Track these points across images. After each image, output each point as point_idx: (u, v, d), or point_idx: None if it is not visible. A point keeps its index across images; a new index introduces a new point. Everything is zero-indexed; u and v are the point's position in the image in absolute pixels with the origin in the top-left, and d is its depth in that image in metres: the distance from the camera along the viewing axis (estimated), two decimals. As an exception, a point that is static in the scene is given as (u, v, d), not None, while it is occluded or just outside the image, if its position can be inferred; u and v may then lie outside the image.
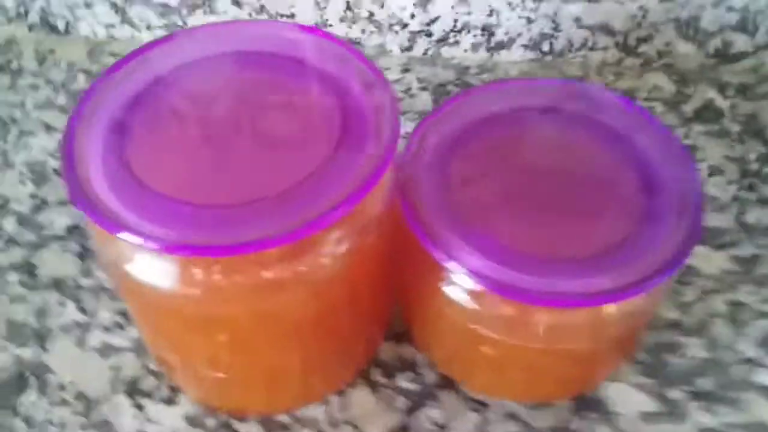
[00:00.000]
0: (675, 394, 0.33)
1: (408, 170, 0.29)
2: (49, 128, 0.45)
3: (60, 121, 0.45)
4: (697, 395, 0.33)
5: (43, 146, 0.43)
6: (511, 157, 0.30)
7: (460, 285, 0.28)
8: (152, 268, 0.24)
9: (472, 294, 0.28)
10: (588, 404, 0.33)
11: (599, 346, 0.28)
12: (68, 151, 0.25)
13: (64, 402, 0.33)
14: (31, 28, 0.50)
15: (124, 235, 0.23)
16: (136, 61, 0.28)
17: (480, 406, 0.33)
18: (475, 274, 0.26)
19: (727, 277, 0.37)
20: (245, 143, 0.26)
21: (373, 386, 0.33)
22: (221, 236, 0.23)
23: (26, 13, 0.49)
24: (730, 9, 0.44)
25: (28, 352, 0.34)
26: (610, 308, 0.27)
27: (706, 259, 0.38)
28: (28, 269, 0.38)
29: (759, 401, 0.32)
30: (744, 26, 0.45)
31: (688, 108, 0.45)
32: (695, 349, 0.34)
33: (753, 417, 0.32)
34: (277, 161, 0.26)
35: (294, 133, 0.27)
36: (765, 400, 0.32)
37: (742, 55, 0.47)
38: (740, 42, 0.46)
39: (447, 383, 0.33)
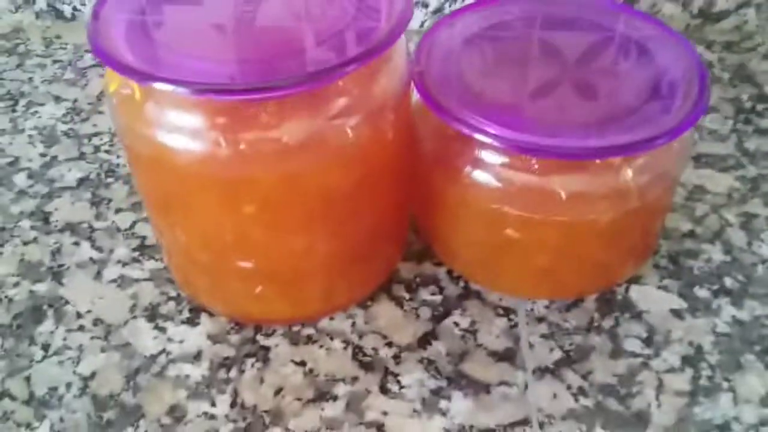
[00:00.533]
0: (702, 292, 0.33)
1: (422, 66, 0.30)
2: (58, 99, 0.45)
3: (68, 92, 0.45)
4: (725, 292, 0.33)
5: (52, 113, 0.44)
6: (521, 53, 0.32)
7: (482, 162, 0.29)
8: (180, 131, 0.25)
9: (495, 170, 0.28)
10: (615, 305, 0.33)
11: (621, 221, 0.29)
12: (95, 23, 0.26)
13: (81, 328, 0.32)
14: (38, 15, 0.51)
15: (159, 84, 0.23)
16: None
17: (507, 311, 0.32)
18: (499, 138, 0.27)
19: (735, 193, 0.38)
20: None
21: (397, 300, 0.33)
22: (243, 83, 0.23)
23: (34, 0, 0.50)
24: (710, -36, 0.47)
25: (43, 287, 0.34)
26: (627, 174, 0.28)
27: (713, 180, 0.38)
28: (42, 216, 0.37)
29: (782, 295, 0.33)
30: (724, -18, 0.48)
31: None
32: (715, 253, 0.35)
33: (779, 309, 0.32)
34: (296, 32, 0.27)
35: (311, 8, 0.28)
36: (788, 293, 0.33)
37: (724, 14, 0.49)
38: (722, 0, 0.49)
39: (471, 293, 0.33)
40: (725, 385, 0.29)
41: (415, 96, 0.30)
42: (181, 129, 0.25)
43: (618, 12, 0.33)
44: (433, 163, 0.31)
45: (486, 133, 0.27)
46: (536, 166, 0.28)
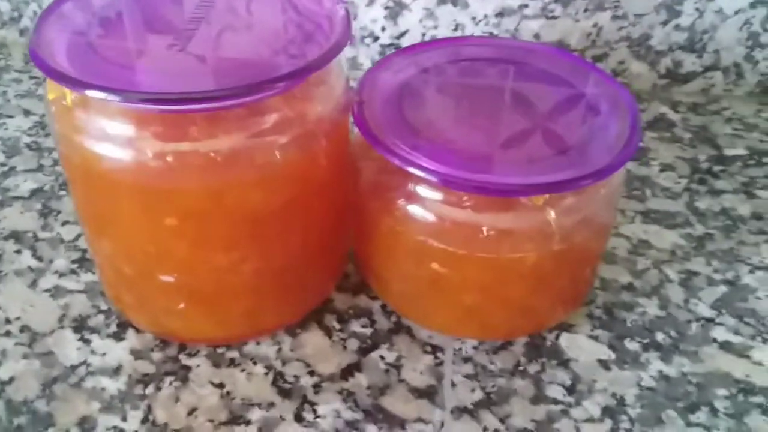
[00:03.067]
0: (632, 345, 0.33)
1: (363, 97, 0.31)
2: (27, 113, 0.46)
3: (39, 107, 0.46)
4: (655, 346, 0.33)
5: (19, 125, 0.45)
6: (458, 91, 0.32)
7: (416, 196, 0.29)
8: (107, 139, 0.25)
9: (428, 204, 0.29)
10: (543, 350, 0.32)
11: (546, 262, 0.29)
12: (37, 38, 0.27)
13: (7, 334, 0.32)
14: (22, 32, 0.53)
15: (91, 92, 0.24)
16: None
17: (435, 349, 0.32)
18: (428, 170, 0.27)
19: (679, 251, 0.38)
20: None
21: (327, 330, 0.33)
22: (172, 93, 0.24)
23: (19, 17, 0.52)
24: (678, 27, 0.48)
25: (-23, 292, 0.34)
26: (550, 215, 0.28)
27: (659, 236, 0.39)
28: (-11, 222, 0.38)
29: (717, 354, 0.32)
30: (692, 46, 0.49)
31: (642, 119, 0.48)
32: (650, 308, 0.34)
33: (711, 368, 0.32)
34: (233, 48, 0.28)
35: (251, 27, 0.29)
36: (723, 352, 0.32)
37: (691, 75, 0.50)
38: (689, 62, 0.49)
39: (403, 329, 0.33)
40: (642, 438, 0.29)
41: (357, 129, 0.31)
42: (109, 137, 0.26)
43: (558, 57, 0.34)
44: (370, 195, 0.31)
45: (416, 165, 0.28)
46: (468, 203, 0.29)
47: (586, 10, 0.48)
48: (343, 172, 0.31)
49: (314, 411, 0.29)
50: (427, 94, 0.32)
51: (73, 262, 0.36)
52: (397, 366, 0.31)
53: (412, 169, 0.28)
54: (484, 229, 0.28)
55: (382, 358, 0.32)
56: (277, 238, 0.29)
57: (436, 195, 0.29)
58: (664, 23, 0.48)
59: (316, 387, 0.30)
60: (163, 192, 0.26)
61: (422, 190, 0.29)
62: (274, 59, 0.27)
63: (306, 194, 0.29)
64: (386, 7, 0.48)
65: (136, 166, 0.26)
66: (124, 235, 0.28)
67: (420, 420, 0.29)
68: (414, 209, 0.29)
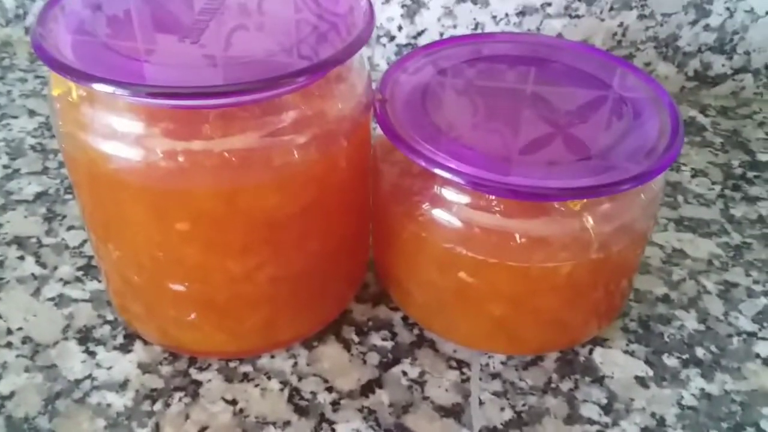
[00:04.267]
0: (671, 361, 0.31)
1: (385, 95, 0.29)
2: (32, 113, 0.44)
3: (44, 107, 0.45)
4: (695, 362, 0.31)
5: (23, 126, 0.43)
6: (483, 91, 0.30)
7: (442, 200, 0.27)
8: (115, 137, 0.24)
9: (454, 209, 0.27)
10: (576, 366, 0.30)
11: (581, 272, 0.27)
12: (40, 30, 0.25)
13: (8, 345, 0.30)
14: (27, 30, 0.51)
15: (99, 86, 0.22)
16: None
17: (460, 364, 0.30)
18: (455, 172, 0.25)
19: (716, 260, 0.36)
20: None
21: (345, 343, 0.31)
22: (186, 86, 0.23)
23: (24, 15, 0.50)
24: (707, 27, 0.46)
25: (-23, 300, 0.32)
26: (588, 221, 0.26)
27: (694, 245, 0.37)
28: (-9, 227, 0.36)
29: (761, 370, 0.30)
30: (722, 47, 0.47)
31: (671, 122, 0.46)
32: (688, 321, 0.32)
33: (755, 385, 0.30)
34: (248, 43, 0.26)
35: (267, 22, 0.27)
36: (767, 368, 0.30)
37: (720, 78, 0.48)
38: (718, 64, 0.48)
39: (425, 342, 0.31)
40: (686, 462, 0.27)
41: (378, 129, 0.29)
42: (117, 135, 0.24)
43: (596, 57, 0.32)
44: (393, 200, 0.29)
45: (442, 167, 0.26)
46: (497, 208, 0.27)
47: (611, 9, 0.46)
48: (364, 174, 0.30)
49: (333, 430, 0.28)
50: (451, 94, 0.31)
51: (79, 269, 0.34)
52: (420, 382, 0.30)
53: (439, 171, 0.26)
54: (517, 236, 0.26)
55: (405, 373, 0.30)
56: (294, 244, 0.27)
57: (464, 199, 0.27)
58: (693, 23, 0.46)
59: (335, 404, 0.29)
60: (174, 194, 0.25)
61: (449, 194, 0.27)
62: (292, 53, 0.25)
63: (325, 198, 0.27)
64: (403, 5, 0.47)
65: (146, 166, 0.24)
66: (132, 241, 0.26)
67: (446, 441, 0.27)
68: (440, 214, 0.28)
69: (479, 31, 0.47)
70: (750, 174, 0.42)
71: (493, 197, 0.26)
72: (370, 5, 0.27)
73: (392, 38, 0.48)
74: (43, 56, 0.23)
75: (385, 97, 0.29)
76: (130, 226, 0.26)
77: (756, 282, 0.35)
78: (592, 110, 0.29)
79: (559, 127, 0.28)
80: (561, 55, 0.32)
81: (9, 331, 0.31)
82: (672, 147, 0.27)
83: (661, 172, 0.26)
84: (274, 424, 0.28)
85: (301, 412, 0.28)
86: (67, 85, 0.25)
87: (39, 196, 0.38)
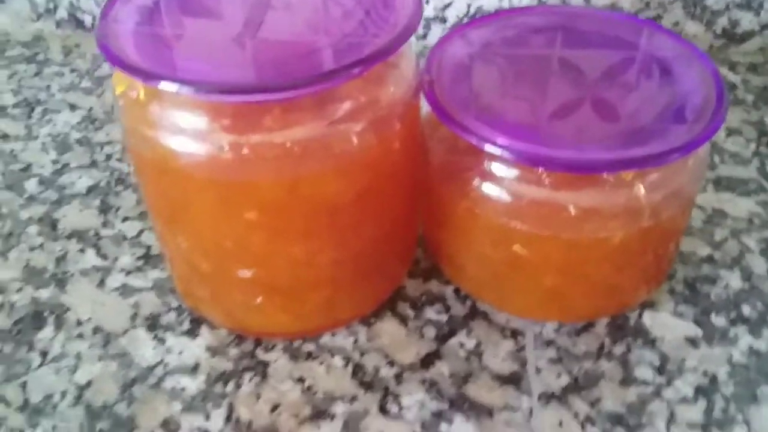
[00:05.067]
0: (719, 320, 0.32)
1: (432, 75, 0.30)
2: (73, 107, 0.45)
3: (84, 101, 0.46)
4: (742, 320, 0.31)
5: (67, 121, 0.44)
6: (535, 67, 0.31)
7: (492, 175, 0.28)
8: (182, 133, 0.25)
9: (504, 184, 0.28)
10: (627, 330, 0.31)
11: (632, 240, 0.28)
12: (104, 22, 0.26)
13: (80, 336, 0.32)
14: (58, 24, 0.52)
15: (163, 84, 0.23)
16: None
17: (514, 333, 0.31)
18: (507, 148, 0.26)
19: (756, 219, 0.36)
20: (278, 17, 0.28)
21: (402, 318, 0.32)
22: (247, 85, 0.23)
23: (55, 8, 0.51)
24: (736, -16, 0.46)
25: (45, 294, 0.33)
26: (639, 191, 0.27)
27: (733, 204, 0.37)
28: (50, 222, 0.37)
29: (804, 325, 0.31)
30: (749, 3, 0.47)
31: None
32: (733, 280, 0.33)
33: (799, 340, 0.31)
34: (302, 38, 0.27)
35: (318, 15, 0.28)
36: (810, 324, 0.31)
37: (748, 35, 0.48)
38: (746, 21, 0.47)
39: (478, 313, 0.32)
40: (740, 417, 0.28)
41: (425, 107, 0.29)
42: (184, 131, 0.25)
43: (641, 27, 0.32)
44: (442, 176, 0.30)
45: (494, 143, 0.27)
46: (547, 181, 0.27)
47: (638, -29, 0.46)
48: (416, 154, 0.30)
49: (398, 403, 0.29)
50: (496, 70, 0.31)
51: (138, 258, 0.35)
52: (477, 353, 0.31)
53: (489, 147, 0.27)
54: (570, 207, 0.27)
55: (461, 345, 0.31)
56: (353, 227, 0.28)
57: (514, 173, 0.28)
58: (722, -20, 0.46)
59: (398, 378, 0.30)
60: (241, 185, 0.25)
61: (498, 169, 0.28)
62: (346, 44, 0.26)
63: (381, 180, 0.28)
64: (430, -21, 0.47)
65: (212, 160, 0.25)
66: (200, 231, 0.27)
67: (508, 408, 0.29)
68: (491, 189, 0.28)
69: (506, 1, 0.47)
70: (784, 130, 0.42)
71: (542, 170, 0.27)
72: None
73: (445, 20, 0.48)
74: (110, 57, 0.24)
75: (432, 77, 0.30)
76: (197, 216, 0.27)
77: (797, 238, 0.35)
78: (640, 78, 0.30)
79: (604, 97, 0.29)
80: (599, 24, 0.33)
81: (79, 323, 0.32)
82: (718, 112, 0.27)
83: (707, 139, 0.27)
84: (342, 398, 0.29)
85: (367, 386, 0.29)
86: (131, 82, 0.26)
87: (91, 189, 0.39)
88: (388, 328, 0.32)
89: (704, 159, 0.29)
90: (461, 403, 0.29)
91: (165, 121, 0.25)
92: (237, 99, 0.24)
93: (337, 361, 0.30)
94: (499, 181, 0.28)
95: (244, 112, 0.25)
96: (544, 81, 0.30)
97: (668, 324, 0.32)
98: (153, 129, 0.25)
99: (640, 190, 0.27)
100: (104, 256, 0.35)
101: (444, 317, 0.32)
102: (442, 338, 0.31)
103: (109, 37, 0.25)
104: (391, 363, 0.30)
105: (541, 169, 0.27)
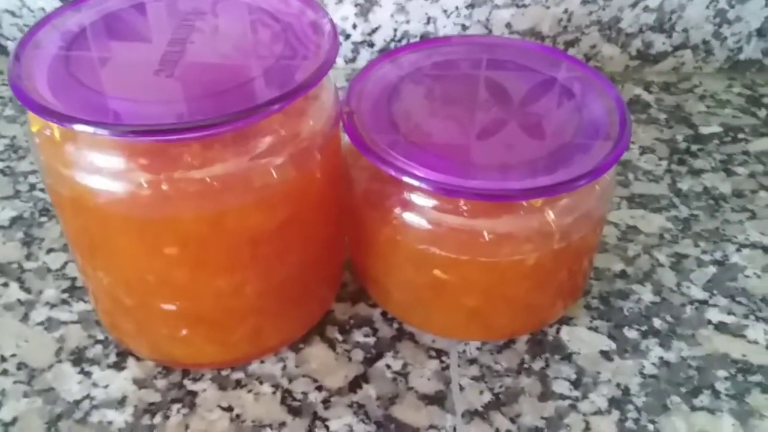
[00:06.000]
0: (631, 333, 0.33)
1: (352, 106, 0.31)
2: (-5, 136, 0.44)
3: (7, 129, 0.45)
4: (653, 333, 0.33)
5: (-11, 150, 0.43)
6: (450, 95, 0.32)
7: (412, 204, 0.29)
8: (99, 172, 0.25)
9: (424, 212, 0.29)
10: (546, 346, 0.33)
11: (546, 261, 0.29)
12: (17, 64, 0.26)
13: (4, 372, 0.31)
14: (-20, 50, 0.51)
15: (81, 127, 0.23)
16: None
17: (439, 353, 0.32)
18: (424, 180, 0.27)
19: (667, 234, 0.38)
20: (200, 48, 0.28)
21: (330, 342, 0.33)
22: (164, 124, 0.24)
23: (-24, 35, 0.50)
24: (647, 9, 0.48)
25: (-34, 331, 0.33)
26: (549, 216, 0.28)
27: (646, 220, 0.39)
28: (-30, 256, 0.37)
29: (714, 336, 0.33)
30: (661, 26, 0.49)
31: (618, 102, 0.48)
32: (645, 294, 0.35)
33: (709, 350, 0.32)
34: (220, 72, 0.27)
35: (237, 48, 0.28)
36: (719, 333, 0.33)
37: (661, 56, 0.51)
38: (659, 42, 0.50)
39: (405, 335, 0.33)
40: (651, 427, 0.30)
41: (346, 137, 0.30)
42: (101, 170, 0.25)
43: (550, 56, 0.34)
44: (365, 204, 0.31)
45: (412, 175, 0.28)
46: (465, 209, 0.29)
47: (556, -3, 0.48)
48: (338, 182, 0.31)
49: (326, 427, 0.29)
50: (414, 99, 0.32)
51: (63, 291, 0.35)
52: (404, 374, 0.32)
53: (408, 180, 0.28)
54: (485, 233, 0.28)
55: (388, 366, 0.32)
56: (277, 256, 0.29)
57: (434, 202, 0.29)
58: (633, 5, 0.48)
59: (326, 402, 0.30)
60: (161, 222, 0.26)
61: (418, 198, 0.29)
62: (264, 80, 0.26)
63: (303, 210, 0.29)
64: (356, 4, 0.48)
65: (131, 198, 0.25)
66: (122, 266, 0.28)
67: (432, 427, 0.30)
68: (411, 218, 0.29)
69: (431, 25, 0.49)
70: (694, 147, 0.45)
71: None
72: (333, 25, 0.29)
73: (347, 36, 0.49)
74: (23, 99, 0.24)
75: (352, 108, 0.31)
76: (118, 252, 0.27)
77: (704, 252, 0.37)
78: (547, 107, 0.31)
79: (517, 127, 0.30)
80: (512, 54, 0.34)
81: (3, 359, 0.32)
82: (621, 138, 0.29)
83: (611, 166, 0.28)
84: (270, 426, 0.29)
85: (295, 412, 0.30)
86: (46, 122, 0.26)
87: (15, 220, 0.39)
88: (317, 352, 0.32)
89: (611, 181, 0.31)
90: (388, 425, 0.30)
91: (81, 161, 0.25)
92: (153, 139, 0.24)
93: (266, 388, 0.31)
94: (419, 209, 0.29)
95: (162, 149, 0.25)
96: (458, 109, 0.31)
97: (584, 338, 0.33)
98: (69, 168, 0.25)
99: (550, 215, 0.28)
100: (28, 290, 0.35)
101: (371, 340, 0.33)
102: (370, 361, 0.32)
103: (22, 76, 0.25)
104: (320, 388, 0.31)
105: (457, 198, 0.28)
